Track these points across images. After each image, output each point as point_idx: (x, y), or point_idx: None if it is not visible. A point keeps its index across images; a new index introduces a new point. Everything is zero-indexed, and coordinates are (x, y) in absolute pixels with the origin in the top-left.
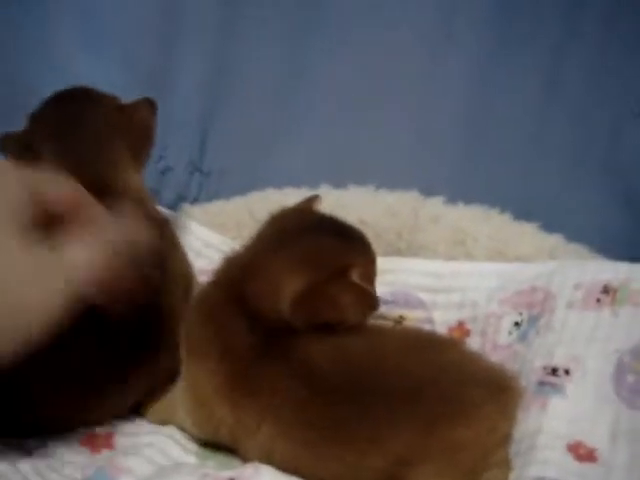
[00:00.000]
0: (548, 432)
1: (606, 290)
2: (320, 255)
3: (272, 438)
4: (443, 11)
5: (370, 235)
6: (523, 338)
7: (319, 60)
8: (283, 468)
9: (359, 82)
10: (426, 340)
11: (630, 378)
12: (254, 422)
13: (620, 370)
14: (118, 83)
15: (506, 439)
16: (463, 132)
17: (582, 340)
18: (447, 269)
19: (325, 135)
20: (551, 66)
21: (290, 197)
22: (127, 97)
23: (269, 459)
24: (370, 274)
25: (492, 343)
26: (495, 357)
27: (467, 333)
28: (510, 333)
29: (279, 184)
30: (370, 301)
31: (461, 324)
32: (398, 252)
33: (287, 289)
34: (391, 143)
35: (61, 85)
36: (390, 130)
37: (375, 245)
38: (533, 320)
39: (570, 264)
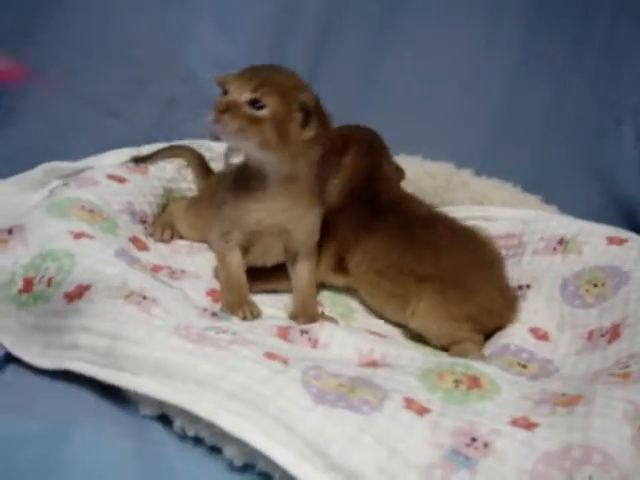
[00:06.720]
0: (514, 322)
1: (561, 242)
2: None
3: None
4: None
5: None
6: None
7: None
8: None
9: (417, 70)
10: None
11: (571, 288)
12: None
13: (564, 283)
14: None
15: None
16: (492, 123)
17: (541, 270)
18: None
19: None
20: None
21: None
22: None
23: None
24: None
25: None
26: None
27: None
28: None
29: None
30: None
31: None
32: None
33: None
34: (437, 125)
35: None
36: (438, 114)
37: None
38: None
39: (539, 218)
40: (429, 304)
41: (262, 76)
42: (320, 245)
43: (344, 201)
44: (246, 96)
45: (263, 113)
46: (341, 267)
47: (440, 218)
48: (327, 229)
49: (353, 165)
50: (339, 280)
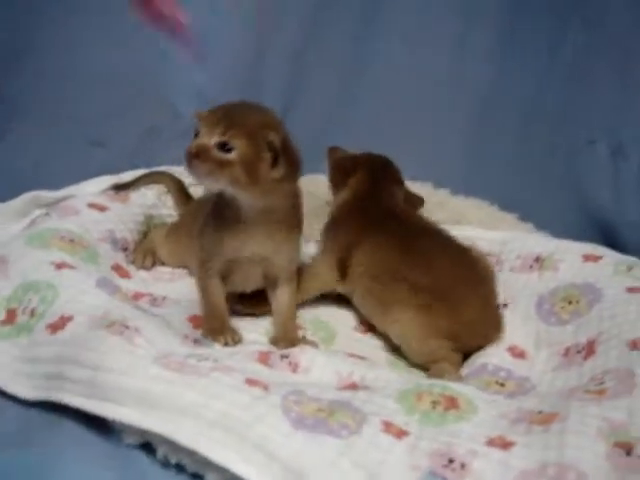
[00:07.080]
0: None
1: (537, 260)
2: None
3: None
4: None
5: None
6: None
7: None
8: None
9: (396, 87)
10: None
11: (546, 306)
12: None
13: (540, 301)
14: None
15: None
16: (469, 142)
17: (517, 288)
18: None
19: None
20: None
21: None
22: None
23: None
24: None
25: None
26: None
27: None
28: None
29: None
30: None
31: None
32: None
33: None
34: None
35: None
36: (413, 133)
37: None
38: None
39: (517, 238)
40: (415, 315)
41: (231, 118)
42: (322, 253)
43: (347, 213)
44: (215, 139)
45: (232, 156)
46: (342, 271)
47: (438, 231)
48: (329, 238)
49: (356, 186)
50: (339, 287)
